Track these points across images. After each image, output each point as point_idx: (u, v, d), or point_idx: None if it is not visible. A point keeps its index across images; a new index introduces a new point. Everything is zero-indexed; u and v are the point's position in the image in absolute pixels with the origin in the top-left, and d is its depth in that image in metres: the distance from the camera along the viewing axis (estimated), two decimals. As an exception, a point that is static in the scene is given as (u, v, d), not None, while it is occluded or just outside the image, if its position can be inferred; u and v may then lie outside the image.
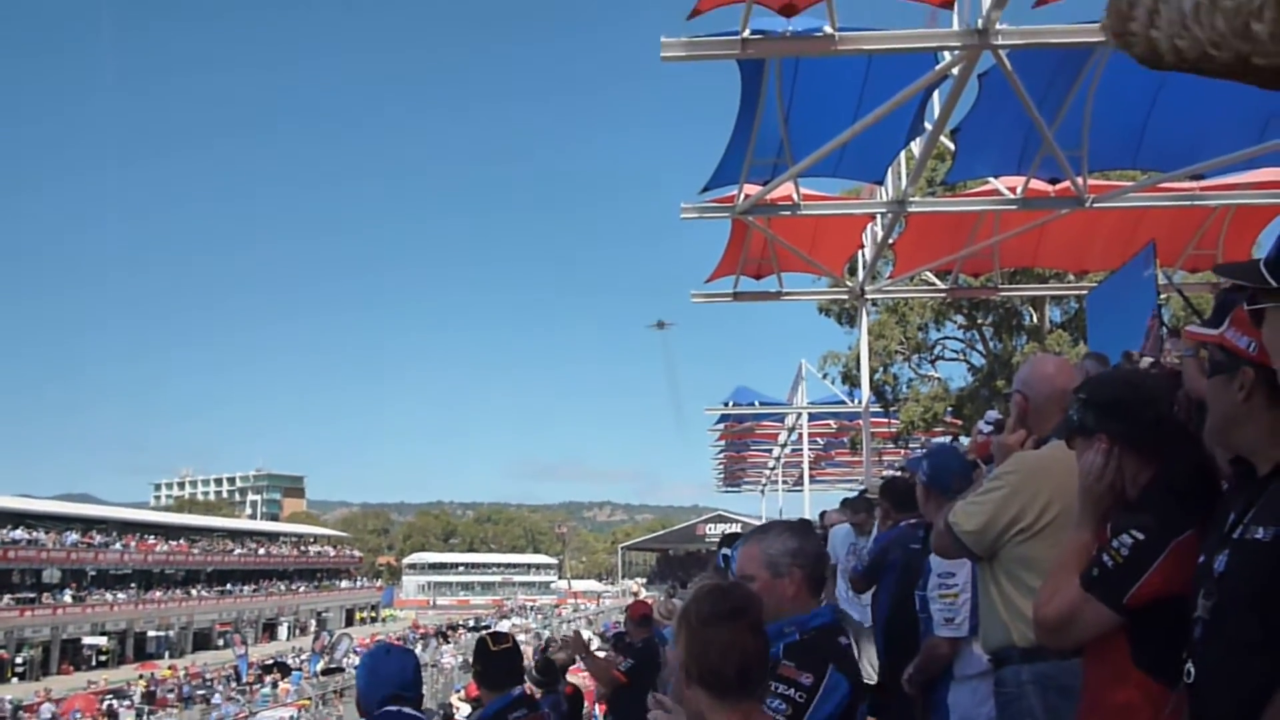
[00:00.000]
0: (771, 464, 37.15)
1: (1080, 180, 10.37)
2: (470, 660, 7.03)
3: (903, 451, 32.35)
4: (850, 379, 30.35)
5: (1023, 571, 3.16)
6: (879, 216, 12.65)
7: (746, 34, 7.67)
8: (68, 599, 56.19)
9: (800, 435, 28.83)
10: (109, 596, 59.73)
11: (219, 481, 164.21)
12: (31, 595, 54.39)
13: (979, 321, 32.40)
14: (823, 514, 11.51)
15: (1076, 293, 19.38)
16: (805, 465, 29.64)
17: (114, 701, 40.35)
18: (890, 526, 6.09)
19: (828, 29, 7.58)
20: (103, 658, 56.89)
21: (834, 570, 7.49)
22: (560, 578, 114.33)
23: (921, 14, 8.39)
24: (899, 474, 7.68)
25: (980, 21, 7.42)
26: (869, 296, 14.96)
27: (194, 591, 68.11)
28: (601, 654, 10.80)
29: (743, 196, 10.91)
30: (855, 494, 10.21)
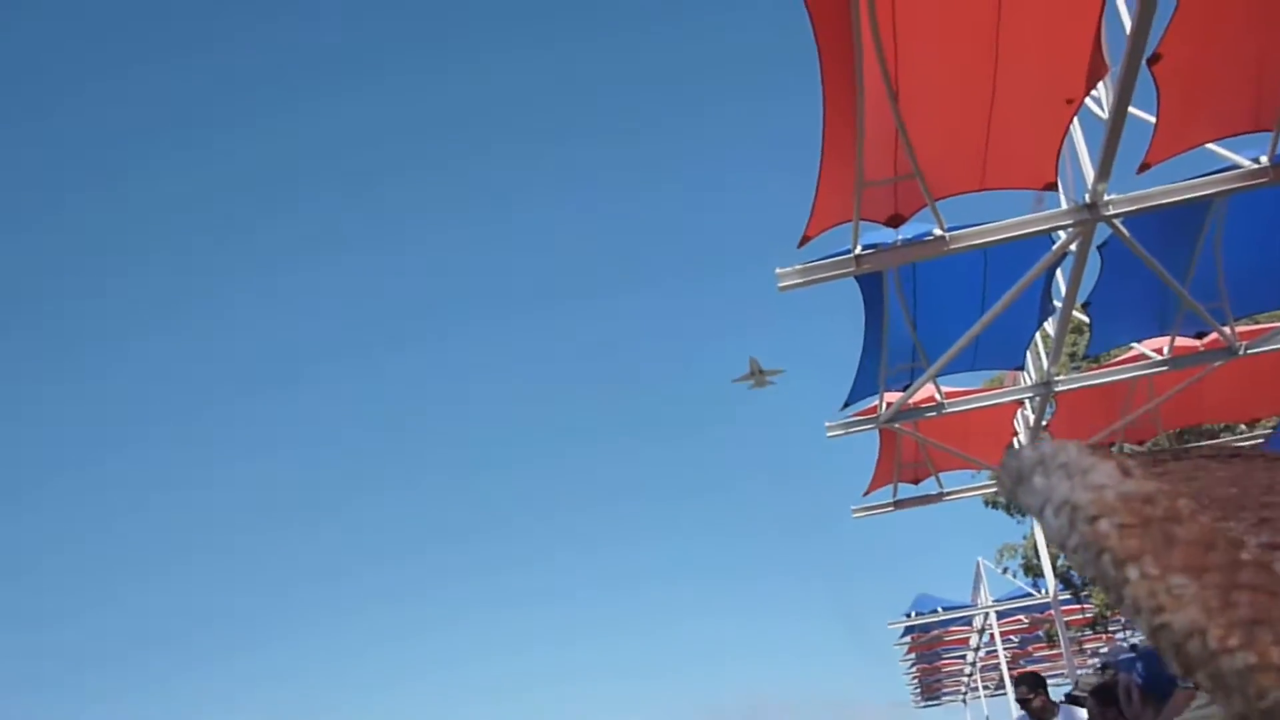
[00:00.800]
0: (968, 670, 35.49)
1: (1228, 330, 10.10)
2: None
3: (1104, 637, 30.62)
4: (1032, 569, 29.17)
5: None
6: (1027, 401, 12.43)
7: (858, 250, 7.80)
8: None
9: (992, 635, 27.58)
10: None
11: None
12: None
13: (1156, 488, 30.94)
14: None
15: (1252, 443, 18.51)
16: (1003, 666, 28.22)
17: None
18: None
19: (937, 231, 7.68)
20: None
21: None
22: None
23: (1028, 197, 8.48)
24: (1103, 673, 7.23)
25: (1088, 196, 7.44)
26: (1034, 482, 14.50)
27: None
28: None
29: (884, 405, 10.87)
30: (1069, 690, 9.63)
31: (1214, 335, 10.26)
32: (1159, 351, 10.69)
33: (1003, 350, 10.69)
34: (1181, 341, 10.60)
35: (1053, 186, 7.76)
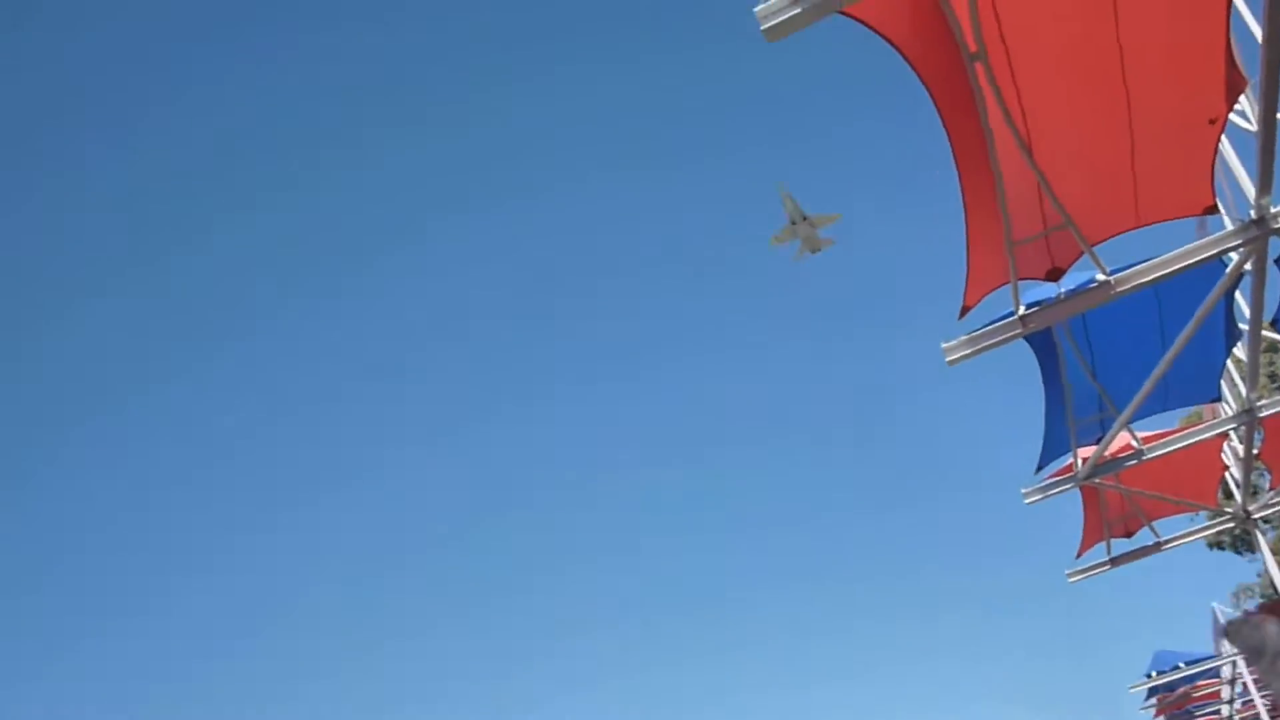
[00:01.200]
0: (1225, 725, 33.32)
1: None
2: None
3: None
4: (1275, 607, 27.43)
5: None
6: (1232, 433, 11.81)
7: (1022, 310, 7.63)
8: None
9: (1245, 685, 25.84)
10: None
11: None
12: None
13: (1393, 499, 28.97)
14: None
15: None
16: (1262, 716, 26.40)
17: None
18: None
19: (1100, 276, 7.46)
20: None
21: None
22: None
23: (1189, 225, 8.16)
24: None
25: (1253, 212, 7.13)
26: (1257, 516, 13.71)
27: None
28: None
29: (1080, 462, 10.48)
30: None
31: None
32: (1366, 357, 10.07)
33: (1194, 384, 10.24)
34: (1389, 342, 9.99)
35: (1214, 209, 7.44)
